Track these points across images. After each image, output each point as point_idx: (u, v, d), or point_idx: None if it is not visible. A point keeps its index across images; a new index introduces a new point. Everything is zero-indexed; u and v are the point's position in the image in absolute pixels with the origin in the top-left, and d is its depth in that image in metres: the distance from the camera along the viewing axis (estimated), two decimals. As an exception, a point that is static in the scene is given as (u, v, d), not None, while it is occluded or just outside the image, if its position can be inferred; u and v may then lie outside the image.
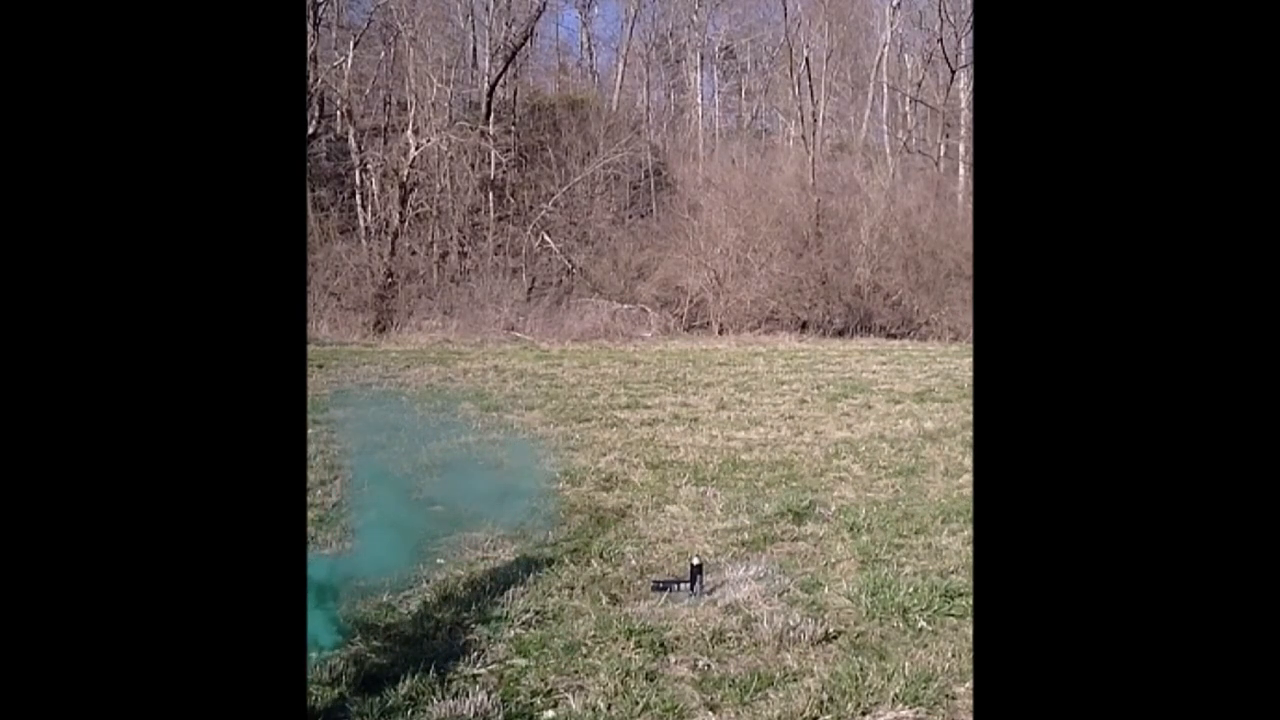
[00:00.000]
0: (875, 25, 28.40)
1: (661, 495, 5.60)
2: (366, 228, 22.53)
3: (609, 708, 2.82)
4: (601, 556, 4.33)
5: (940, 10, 26.58)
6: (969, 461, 6.39)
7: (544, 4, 26.31)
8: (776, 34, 29.38)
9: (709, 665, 3.14)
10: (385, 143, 23.60)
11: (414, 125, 22.38)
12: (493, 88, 24.43)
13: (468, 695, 2.81)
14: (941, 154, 26.96)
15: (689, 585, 3.80)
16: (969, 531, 4.67)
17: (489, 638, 3.32)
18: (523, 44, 26.26)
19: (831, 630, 3.43)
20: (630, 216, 24.64)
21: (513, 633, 3.37)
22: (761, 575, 4.01)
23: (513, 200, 24.09)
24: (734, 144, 28.11)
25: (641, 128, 27.91)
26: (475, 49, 26.28)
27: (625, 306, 20.71)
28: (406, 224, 21.95)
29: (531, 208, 23.56)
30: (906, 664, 3.11)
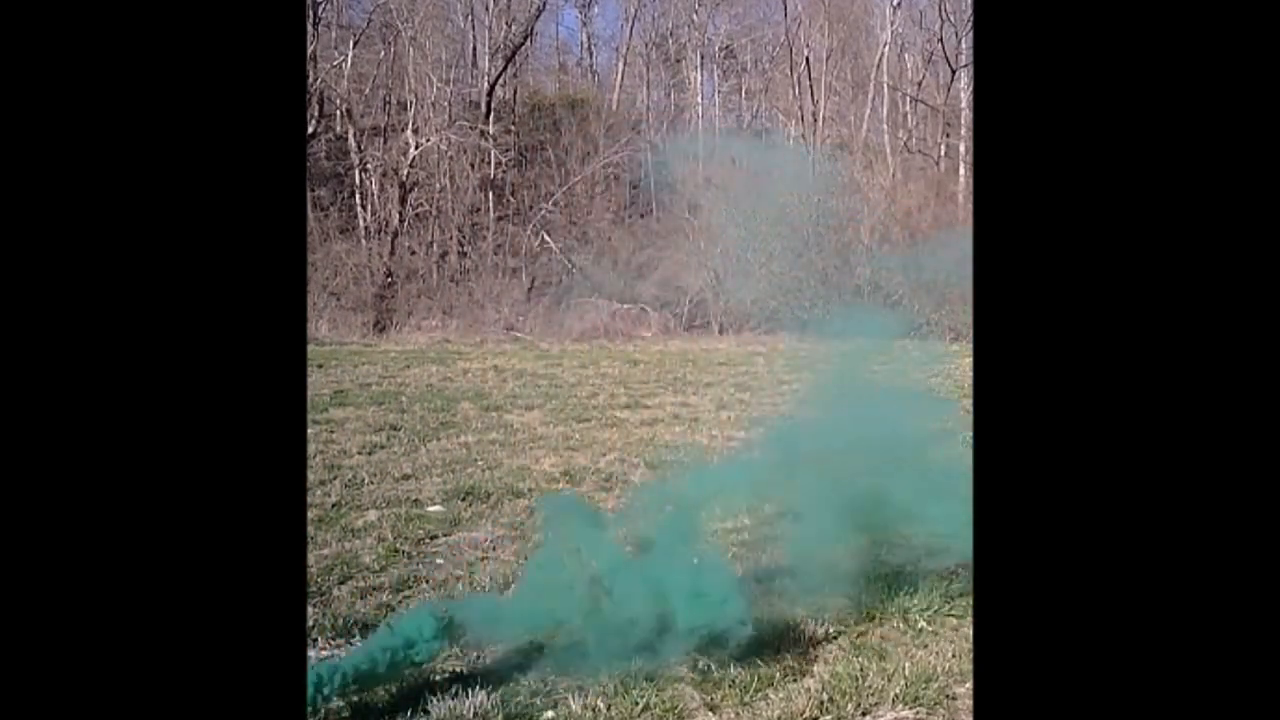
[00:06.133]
0: (875, 25, 28.36)
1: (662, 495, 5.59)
2: (366, 227, 22.52)
3: (609, 708, 2.82)
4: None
5: (940, 10, 26.56)
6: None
7: (544, 4, 26.30)
8: (776, 34, 29.36)
9: (709, 665, 3.14)
10: (385, 142, 23.58)
11: (414, 125, 22.37)
12: (492, 87, 24.42)
13: (468, 695, 2.81)
14: (941, 154, 26.94)
15: None
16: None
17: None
18: (522, 43, 26.25)
19: (831, 630, 3.43)
20: (630, 216, 24.64)
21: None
22: (762, 575, 4.01)
23: (513, 200, 24.07)
24: (734, 144, 28.05)
25: (641, 127, 27.88)
26: (475, 49, 26.25)
27: (625, 306, 20.70)
28: (406, 224, 21.94)
29: (531, 207, 23.54)
30: (906, 664, 3.11)
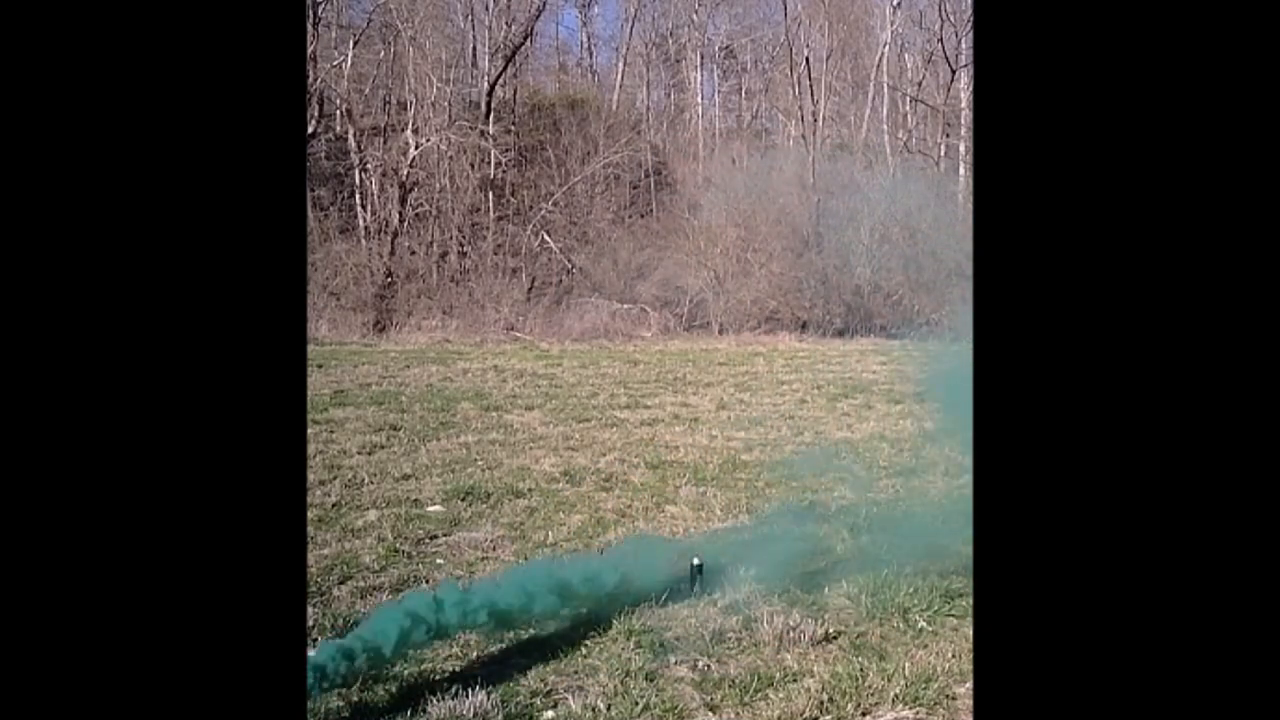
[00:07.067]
0: (875, 25, 28.37)
1: (661, 495, 5.60)
2: (366, 227, 22.52)
3: (609, 708, 2.82)
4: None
5: (940, 10, 26.56)
6: (969, 461, 6.38)
7: (544, 3, 26.30)
8: (776, 34, 29.38)
9: (709, 665, 3.14)
10: (385, 142, 23.58)
11: (414, 125, 22.38)
12: (492, 87, 24.42)
13: (467, 695, 2.81)
14: (941, 154, 26.94)
15: (689, 585, 3.79)
16: (969, 531, 4.65)
17: (488, 637, 3.32)
18: (522, 43, 26.25)
19: (831, 630, 3.43)
20: (630, 216, 24.65)
21: (512, 633, 3.37)
22: (761, 575, 4.01)
23: (513, 200, 24.08)
24: (734, 144, 28.10)
25: (641, 127, 27.89)
26: (475, 49, 26.27)
27: (625, 306, 20.70)
28: (406, 224, 21.94)
29: (531, 207, 23.54)
30: (906, 664, 3.11)
